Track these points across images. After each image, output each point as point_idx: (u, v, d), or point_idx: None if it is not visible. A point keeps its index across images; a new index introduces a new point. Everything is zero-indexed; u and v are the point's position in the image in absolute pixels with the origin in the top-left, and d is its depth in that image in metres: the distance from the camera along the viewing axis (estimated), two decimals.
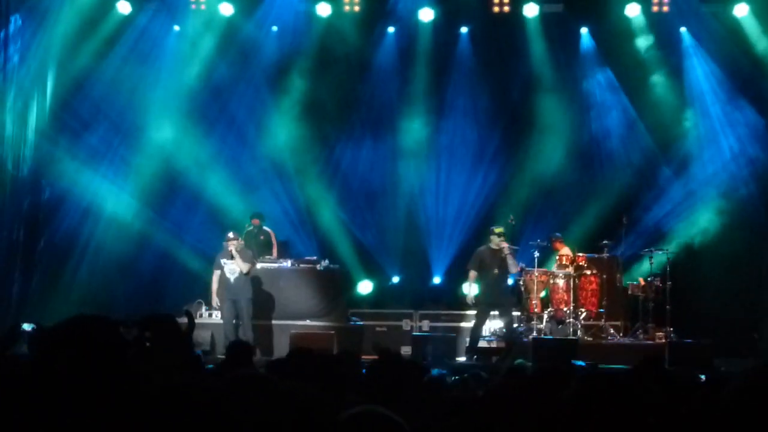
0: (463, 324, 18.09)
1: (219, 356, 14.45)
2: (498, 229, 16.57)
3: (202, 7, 19.67)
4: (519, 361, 10.57)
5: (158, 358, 5.02)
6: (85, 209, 18.75)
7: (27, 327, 14.43)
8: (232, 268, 16.25)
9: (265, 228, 18.07)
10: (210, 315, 17.18)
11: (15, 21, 17.92)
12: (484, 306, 16.67)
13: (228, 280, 16.30)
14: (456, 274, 19.93)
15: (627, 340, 16.79)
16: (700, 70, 19.58)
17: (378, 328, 17.67)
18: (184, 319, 6.50)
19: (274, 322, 17.14)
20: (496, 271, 16.44)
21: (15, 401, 3.68)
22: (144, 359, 4.99)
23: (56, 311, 16.27)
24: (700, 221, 18.77)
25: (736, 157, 19.20)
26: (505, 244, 16.40)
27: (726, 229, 18.62)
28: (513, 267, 16.58)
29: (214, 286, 16.57)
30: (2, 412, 3.60)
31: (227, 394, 3.62)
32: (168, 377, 4.02)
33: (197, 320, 15.02)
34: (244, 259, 16.28)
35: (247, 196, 19.61)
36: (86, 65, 18.60)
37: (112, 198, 18.96)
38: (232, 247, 16.25)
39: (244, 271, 16.28)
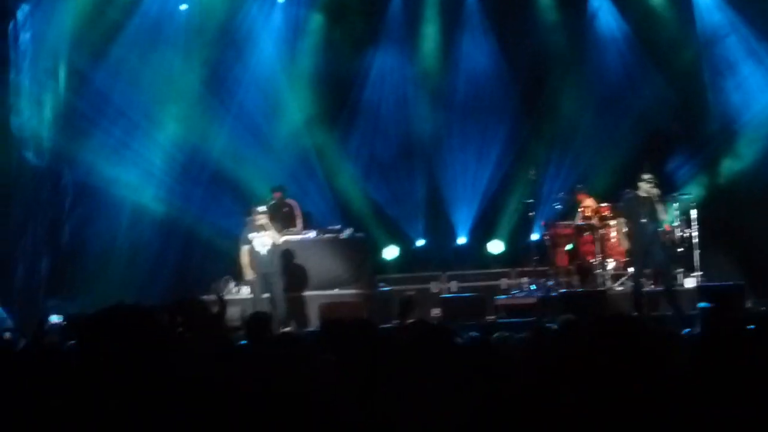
0: (491, 282, 18.09)
1: None
2: (647, 176, 15.34)
3: None
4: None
5: (191, 342, 5.02)
6: (106, 196, 18.58)
7: (55, 319, 14.54)
8: (263, 241, 15.96)
9: (287, 200, 17.99)
10: (239, 291, 17.10)
11: (24, 11, 17.85)
12: (639, 255, 15.74)
13: (258, 253, 15.96)
14: (481, 233, 19.93)
15: (657, 288, 16.64)
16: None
17: (406, 292, 17.60)
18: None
19: (304, 293, 17.01)
20: (644, 219, 15.34)
21: (56, 388, 3.70)
22: (177, 344, 4.98)
23: (84, 301, 16.27)
24: (725, 163, 18.65)
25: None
26: (655, 191, 15.29)
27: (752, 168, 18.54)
28: (662, 213, 15.50)
29: (246, 259, 16.14)
30: (45, 399, 3.61)
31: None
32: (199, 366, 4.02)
33: (226, 297, 14.89)
34: (276, 230, 16.10)
35: (266, 170, 19.51)
36: (96, 51, 18.47)
37: (132, 182, 18.79)
38: (264, 219, 16.02)
39: (278, 242, 16.06)
